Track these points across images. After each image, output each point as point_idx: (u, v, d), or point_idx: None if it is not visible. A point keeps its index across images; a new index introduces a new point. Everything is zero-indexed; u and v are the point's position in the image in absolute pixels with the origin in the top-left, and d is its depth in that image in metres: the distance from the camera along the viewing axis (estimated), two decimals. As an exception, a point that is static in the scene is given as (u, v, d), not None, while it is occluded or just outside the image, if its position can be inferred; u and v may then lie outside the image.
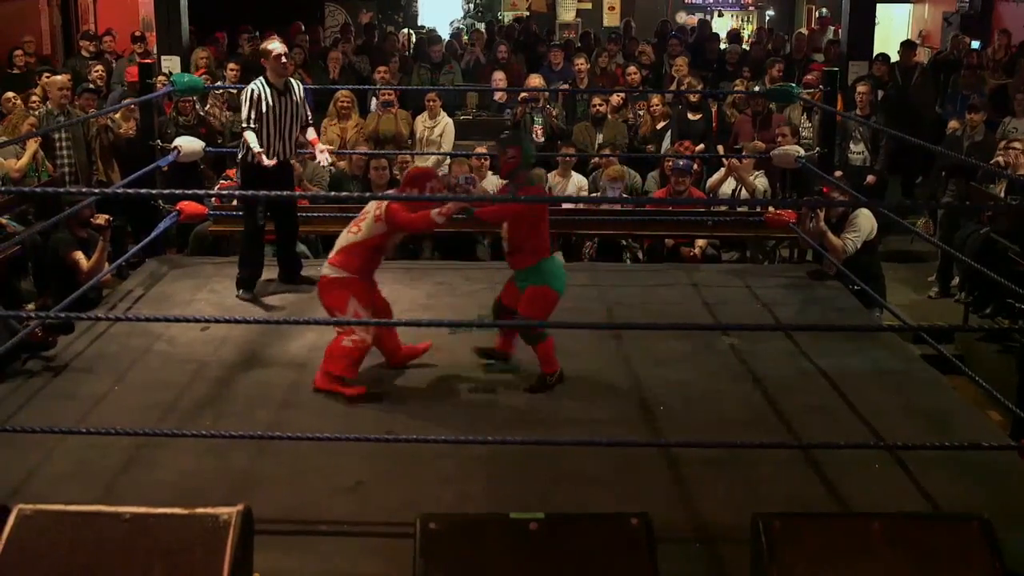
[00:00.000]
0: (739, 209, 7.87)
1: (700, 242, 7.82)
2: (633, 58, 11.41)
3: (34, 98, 8.74)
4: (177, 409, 4.78)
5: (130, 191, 5.88)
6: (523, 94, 9.12)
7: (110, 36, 12.17)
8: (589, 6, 18.09)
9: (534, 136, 8.76)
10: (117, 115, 8.55)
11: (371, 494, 4.07)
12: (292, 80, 6.28)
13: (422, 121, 9.10)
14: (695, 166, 7.89)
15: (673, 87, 10.01)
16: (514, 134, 5.16)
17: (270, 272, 6.55)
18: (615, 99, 9.39)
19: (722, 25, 17.30)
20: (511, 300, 5.14)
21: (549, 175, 8.18)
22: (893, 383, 5.21)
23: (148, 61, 8.39)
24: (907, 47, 11.49)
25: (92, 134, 8.46)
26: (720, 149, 8.89)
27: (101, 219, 6.23)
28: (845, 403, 4.93)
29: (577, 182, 8.17)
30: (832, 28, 15.38)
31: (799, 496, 4.04)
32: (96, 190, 7.27)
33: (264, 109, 6.01)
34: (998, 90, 10.76)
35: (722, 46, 12.59)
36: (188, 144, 7.42)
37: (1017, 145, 7.82)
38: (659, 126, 9.21)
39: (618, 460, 4.27)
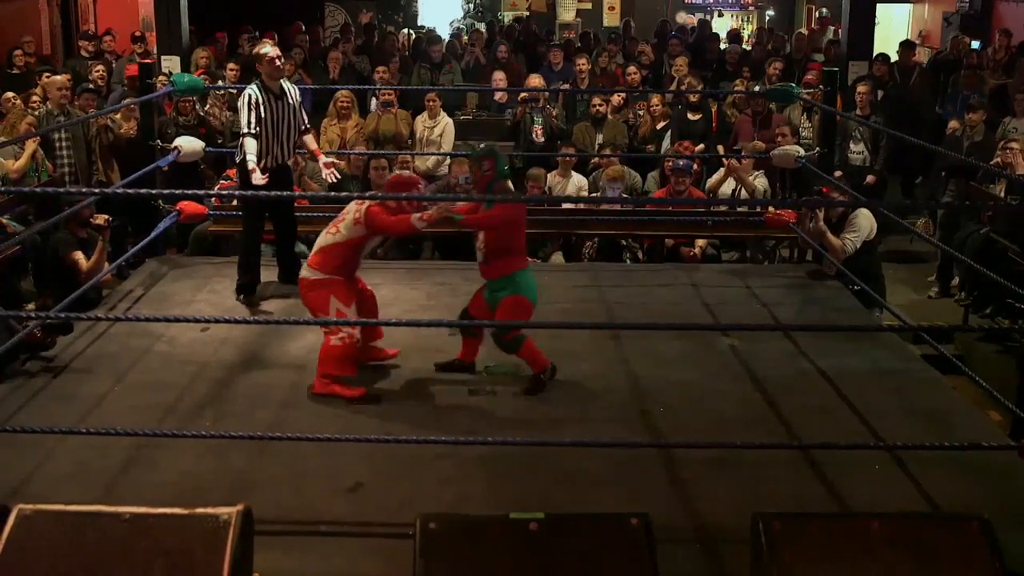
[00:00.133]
0: (739, 209, 7.87)
1: (700, 242, 7.82)
2: (633, 58, 11.41)
3: (34, 98, 8.72)
4: (177, 409, 4.78)
5: (130, 191, 5.88)
6: (523, 94, 9.10)
7: (110, 36, 12.15)
8: (589, 6, 18.09)
9: (534, 136, 8.77)
10: (117, 115, 8.54)
11: (371, 494, 4.07)
12: (287, 83, 6.26)
13: (422, 121, 9.09)
14: (695, 166, 7.89)
15: (673, 87, 10.01)
16: (487, 148, 5.19)
17: (270, 272, 6.55)
18: (615, 99, 9.40)
19: (722, 25, 17.33)
20: (478, 311, 5.12)
21: (549, 175, 8.18)
22: (893, 383, 5.21)
23: (148, 61, 8.39)
24: (907, 47, 11.51)
25: (92, 134, 8.45)
26: (720, 149, 8.88)
27: (101, 219, 6.22)
28: (845, 403, 4.92)
29: (577, 182, 8.17)
30: (832, 28, 15.39)
31: (799, 496, 4.04)
32: (96, 190, 7.27)
33: (263, 114, 6.00)
34: (998, 90, 10.75)
35: (722, 46, 12.61)
36: (188, 144, 7.43)
37: (1014, 145, 7.82)
38: (659, 126, 9.21)
39: (618, 460, 4.27)
